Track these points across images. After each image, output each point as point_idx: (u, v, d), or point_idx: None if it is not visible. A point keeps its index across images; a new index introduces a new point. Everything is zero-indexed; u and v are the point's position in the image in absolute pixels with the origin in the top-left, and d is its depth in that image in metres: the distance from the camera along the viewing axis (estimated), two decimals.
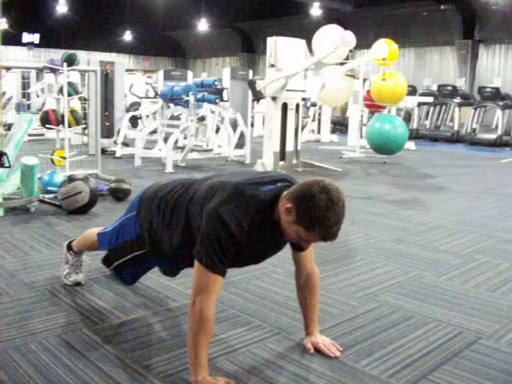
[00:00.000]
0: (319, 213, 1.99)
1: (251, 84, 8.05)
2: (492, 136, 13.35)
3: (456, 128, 14.27)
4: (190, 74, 11.59)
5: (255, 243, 2.20)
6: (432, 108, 15.24)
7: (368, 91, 10.13)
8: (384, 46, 9.02)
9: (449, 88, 16.26)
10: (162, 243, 2.55)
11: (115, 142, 9.55)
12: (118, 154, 9.31)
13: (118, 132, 9.67)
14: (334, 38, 7.91)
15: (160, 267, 2.93)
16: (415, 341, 2.61)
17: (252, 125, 12.65)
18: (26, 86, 13.24)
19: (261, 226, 2.16)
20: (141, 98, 10.80)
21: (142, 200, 2.69)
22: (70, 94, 5.88)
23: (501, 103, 13.71)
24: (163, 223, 2.50)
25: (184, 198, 2.41)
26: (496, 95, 14.74)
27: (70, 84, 5.93)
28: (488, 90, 15.27)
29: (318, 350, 2.46)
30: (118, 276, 2.90)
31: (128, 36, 29.40)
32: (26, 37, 24.72)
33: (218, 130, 9.14)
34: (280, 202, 2.14)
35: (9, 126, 7.05)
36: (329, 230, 2.03)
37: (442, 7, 19.98)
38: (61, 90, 5.89)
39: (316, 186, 2.03)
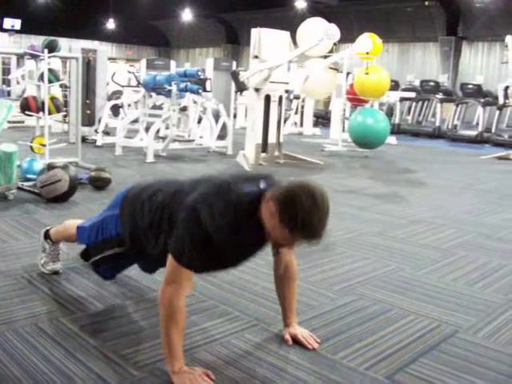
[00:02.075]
0: (303, 214, 1.96)
1: (234, 75, 8.02)
2: (473, 132, 13.44)
3: (437, 124, 14.35)
4: (173, 63, 11.52)
5: (234, 245, 2.17)
6: (414, 103, 15.31)
7: (351, 85, 10.15)
8: (368, 40, 9.03)
9: (431, 84, 16.33)
10: (146, 245, 2.50)
11: (96, 131, 9.47)
12: (98, 143, 9.22)
13: (99, 120, 9.59)
14: (318, 31, 7.90)
15: (139, 264, 2.89)
16: (393, 333, 2.63)
17: (234, 116, 12.60)
18: (6, 72, 13.08)
19: (241, 228, 2.13)
20: (123, 86, 10.72)
21: (126, 200, 2.63)
22: (50, 81, 5.82)
23: (482, 100, 13.81)
24: (146, 226, 2.45)
25: (167, 203, 2.36)
26: (478, 92, 14.84)
27: (50, 71, 5.85)
28: (470, 86, 15.37)
29: (296, 342, 2.46)
30: (96, 270, 2.84)
31: (111, 24, 29.16)
32: (7, 22, 24.37)
33: (200, 120, 9.09)
34: (263, 203, 2.10)
35: None
36: (313, 231, 2.01)
37: (427, 3, 20.08)
38: (41, 77, 5.81)
39: (300, 187, 2.01)
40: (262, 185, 2.18)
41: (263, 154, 8.19)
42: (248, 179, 2.23)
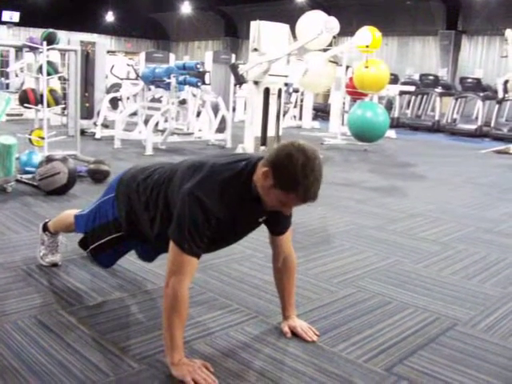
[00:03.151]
0: (297, 171, 1.96)
1: (233, 68, 8.00)
2: (472, 126, 13.43)
3: (437, 118, 14.35)
4: (172, 56, 11.50)
5: (233, 222, 2.19)
6: (413, 97, 15.29)
7: (350, 78, 10.13)
8: (368, 34, 9.01)
9: (431, 78, 16.30)
10: (143, 227, 2.52)
11: (95, 124, 9.44)
12: (97, 136, 9.20)
13: (98, 113, 9.57)
14: (318, 24, 7.88)
15: (137, 251, 2.90)
16: (392, 326, 2.63)
17: (233, 109, 12.59)
18: (4, 64, 13.04)
19: (239, 203, 2.14)
20: (122, 79, 10.69)
21: (121, 182, 2.66)
22: (49, 74, 5.79)
23: (481, 94, 13.79)
24: (142, 206, 2.47)
25: (163, 181, 2.38)
26: (477, 86, 14.82)
27: (49, 63, 5.83)
28: (469, 80, 15.35)
29: (295, 334, 2.46)
30: (95, 259, 2.85)
31: (110, 17, 29.06)
32: (6, 15, 24.29)
33: (199, 113, 9.07)
34: (256, 171, 2.11)
35: None
36: (308, 188, 1.99)
37: None
38: (40, 69, 5.79)
39: (291, 146, 2.01)
40: (254, 159, 2.18)
41: (262, 147, 8.17)
42: (241, 158, 2.23)
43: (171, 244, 2.13)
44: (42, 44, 5.70)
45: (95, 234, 2.75)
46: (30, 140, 5.78)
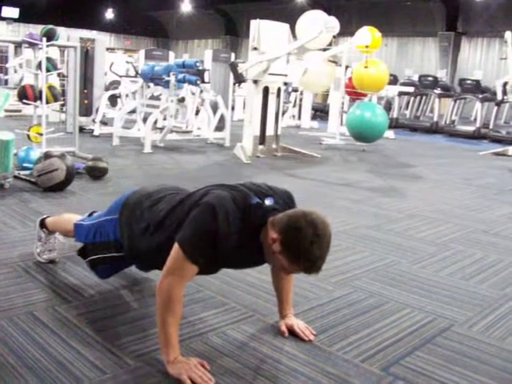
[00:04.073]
0: (304, 247, 1.98)
1: (233, 66, 8.00)
2: (471, 128, 13.45)
3: (435, 119, 14.36)
4: (171, 54, 11.48)
5: (237, 253, 2.18)
6: (412, 98, 15.31)
7: (350, 78, 10.14)
8: (367, 34, 9.02)
9: (430, 79, 16.34)
10: (142, 252, 2.48)
11: (93, 121, 9.44)
12: (96, 133, 9.19)
13: (97, 110, 9.56)
14: (318, 23, 7.88)
15: (136, 265, 2.87)
16: (389, 326, 2.63)
17: (233, 108, 12.58)
18: (3, 60, 13.05)
19: (244, 242, 2.14)
20: (121, 76, 10.68)
21: (127, 205, 2.59)
22: (48, 70, 5.79)
23: (480, 96, 13.82)
24: (141, 233, 2.44)
25: (167, 212, 2.36)
26: (476, 88, 14.85)
27: (48, 59, 5.83)
28: (468, 82, 15.38)
29: (292, 333, 2.46)
30: (92, 269, 2.81)
31: (110, 14, 29.07)
32: (6, 11, 24.27)
33: (198, 111, 9.07)
34: (266, 228, 2.12)
35: None
36: (312, 264, 2.03)
37: None
38: (39, 66, 5.79)
39: (303, 219, 2.02)
40: (268, 201, 2.19)
41: (261, 147, 8.18)
42: (257, 193, 2.22)
43: (175, 246, 2.12)
44: (41, 40, 5.70)
45: (95, 249, 2.70)
46: (28, 136, 5.78)
